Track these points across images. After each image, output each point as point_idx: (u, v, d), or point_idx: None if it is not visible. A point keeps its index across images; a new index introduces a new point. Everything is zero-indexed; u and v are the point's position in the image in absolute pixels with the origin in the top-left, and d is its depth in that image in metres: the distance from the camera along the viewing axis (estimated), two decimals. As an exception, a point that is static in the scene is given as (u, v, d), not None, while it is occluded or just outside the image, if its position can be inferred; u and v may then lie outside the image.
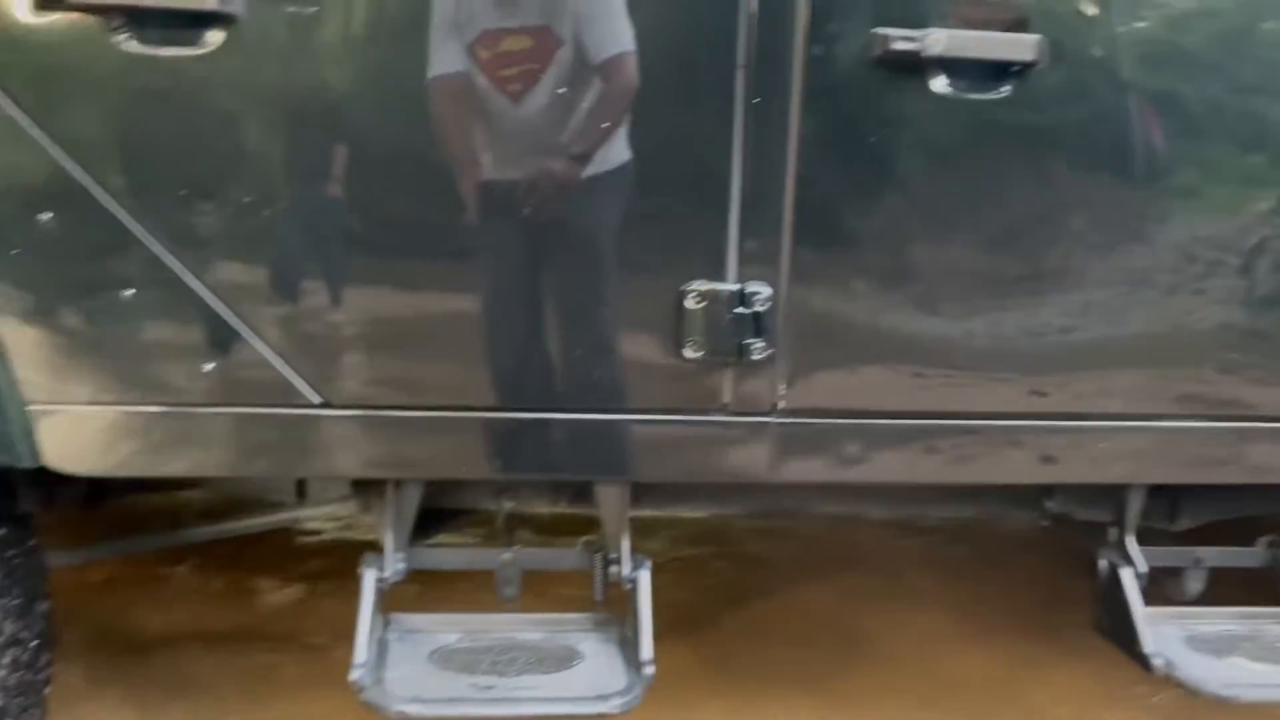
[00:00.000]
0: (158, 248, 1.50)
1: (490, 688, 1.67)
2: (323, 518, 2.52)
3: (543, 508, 2.02)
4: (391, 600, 1.80)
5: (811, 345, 1.63)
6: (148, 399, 1.55)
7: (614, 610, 1.84)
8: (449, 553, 1.89)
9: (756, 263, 1.59)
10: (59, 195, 1.47)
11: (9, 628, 1.67)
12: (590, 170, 1.55)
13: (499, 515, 1.99)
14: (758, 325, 1.59)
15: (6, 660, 1.67)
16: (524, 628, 1.80)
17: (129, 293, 1.51)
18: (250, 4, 1.45)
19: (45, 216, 1.47)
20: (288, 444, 1.59)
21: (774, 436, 1.66)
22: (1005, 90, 1.57)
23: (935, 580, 2.94)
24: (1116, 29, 1.60)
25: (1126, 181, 1.65)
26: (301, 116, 1.50)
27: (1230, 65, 1.64)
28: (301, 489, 2.00)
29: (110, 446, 1.56)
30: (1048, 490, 2.02)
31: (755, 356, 1.60)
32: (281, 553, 2.88)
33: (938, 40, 1.52)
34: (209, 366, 1.54)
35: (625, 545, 1.79)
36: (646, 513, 2.03)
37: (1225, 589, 2.01)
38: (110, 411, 1.55)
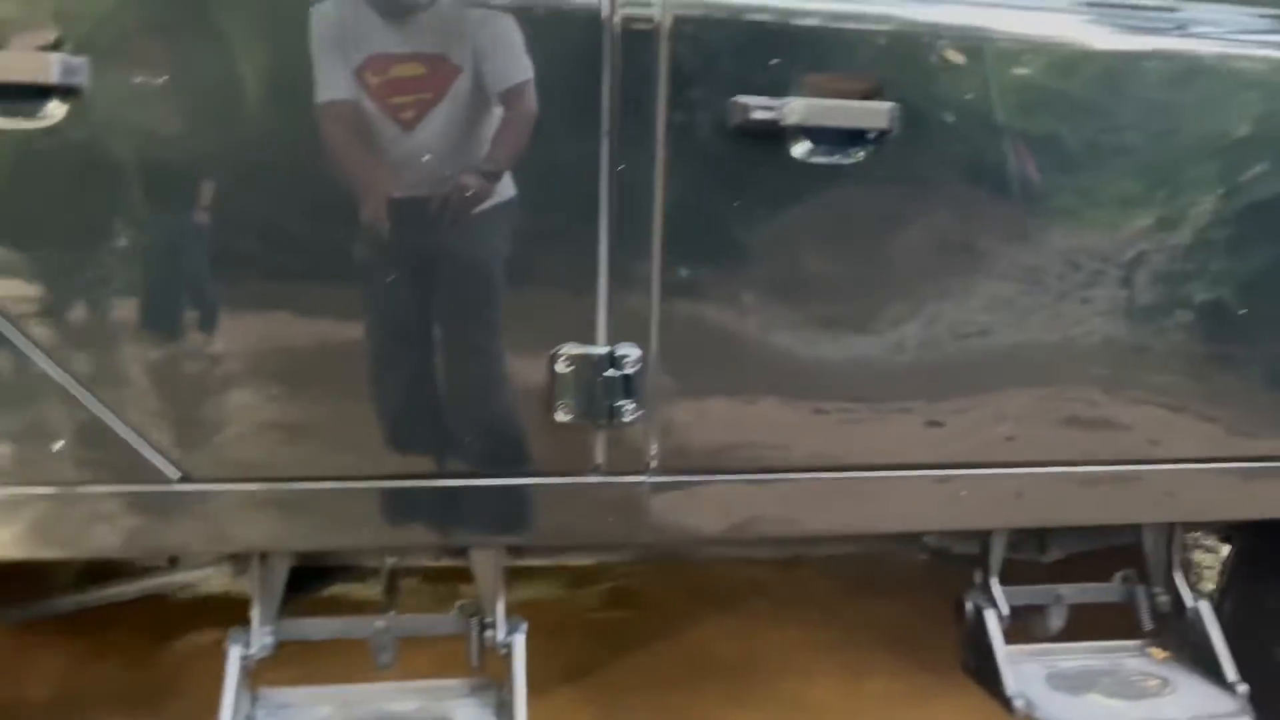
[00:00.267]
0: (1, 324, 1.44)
1: (362, 763, 1.64)
2: (197, 581, 2.45)
3: (427, 560, 2.00)
4: (265, 667, 1.75)
5: (683, 405, 1.65)
6: (-5, 481, 1.48)
7: (492, 674, 1.82)
8: (320, 622, 1.84)
9: (626, 325, 1.60)
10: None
11: None
12: (474, 216, 1.54)
13: (382, 571, 1.97)
14: (628, 387, 1.60)
15: None
16: (397, 697, 1.77)
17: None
18: (95, 75, 1.40)
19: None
20: (145, 522, 1.53)
21: (648, 496, 1.67)
22: (863, 154, 1.63)
23: (824, 615, 2.99)
24: (966, 96, 1.67)
25: (980, 241, 1.71)
26: (150, 186, 1.45)
27: (1066, 131, 1.72)
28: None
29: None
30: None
31: (627, 418, 1.61)
32: (155, 618, 2.78)
33: (795, 109, 1.56)
34: (58, 445, 1.48)
35: (500, 609, 1.77)
36: (531, 562, 2.03)
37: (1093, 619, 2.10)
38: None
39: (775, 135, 1.59)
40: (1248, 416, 1.87)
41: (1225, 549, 2.49)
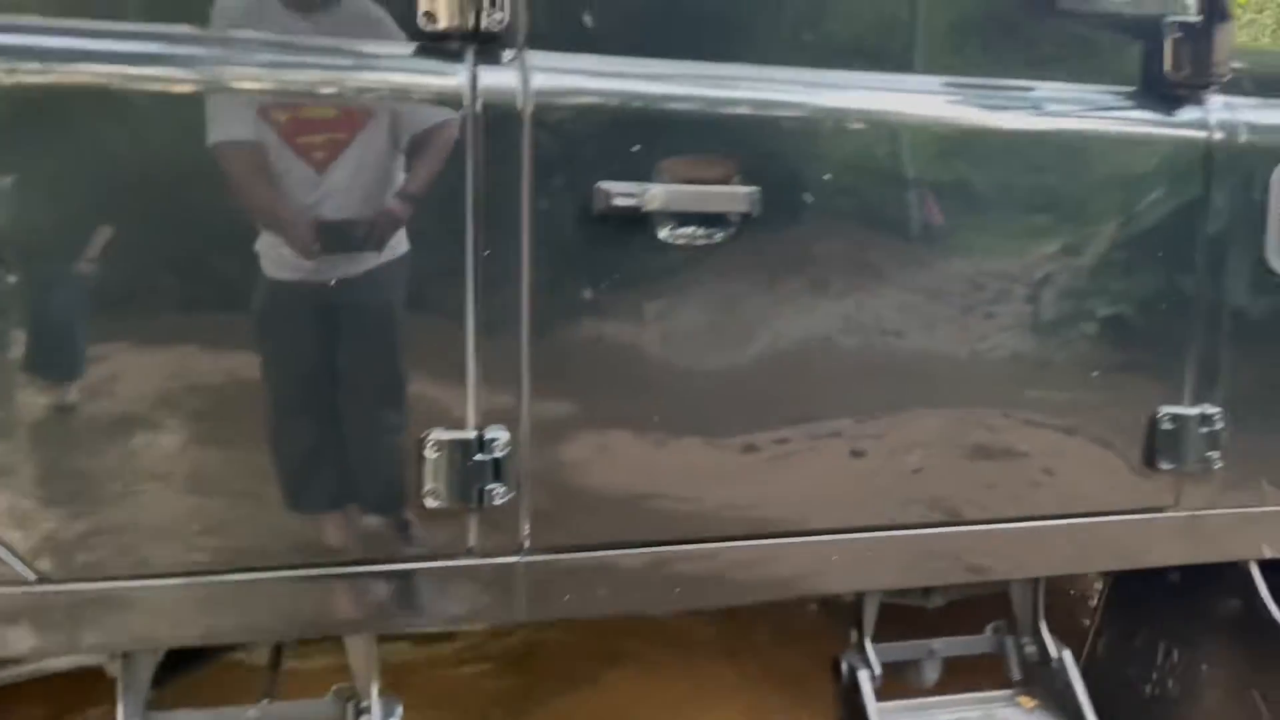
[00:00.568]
0: None
1: None
2: (70, 665, 2.37)
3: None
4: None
5: (554, 486, 1.66)
6: None
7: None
8: (190, 715, 1.80)
9: (495, 409, 1.61)
10: None
11: None
12: (338, 309, 1.54)
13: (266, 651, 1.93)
14: (498, 470, 1.61)
15: None
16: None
17: None
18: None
19: None
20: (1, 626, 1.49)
21: (521, 577, 1.67)
22: (727, 233, 1.67)
23: (729, 666, 2.99)
24: (825, 176, 1.72)
25: (843, 316, 1.76)
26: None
27: (928, 208, 1.80)
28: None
29: None
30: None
31: (497, 501, 1.62)
32: (49, 697, 2.68)
33: (656, 196, 1.60)
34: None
35: (374, 693, 1.76)
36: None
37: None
38: None
39: (640, 219, 1.62)
40: (1090, 477, 1.96)
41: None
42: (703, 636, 3.16)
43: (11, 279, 1.42)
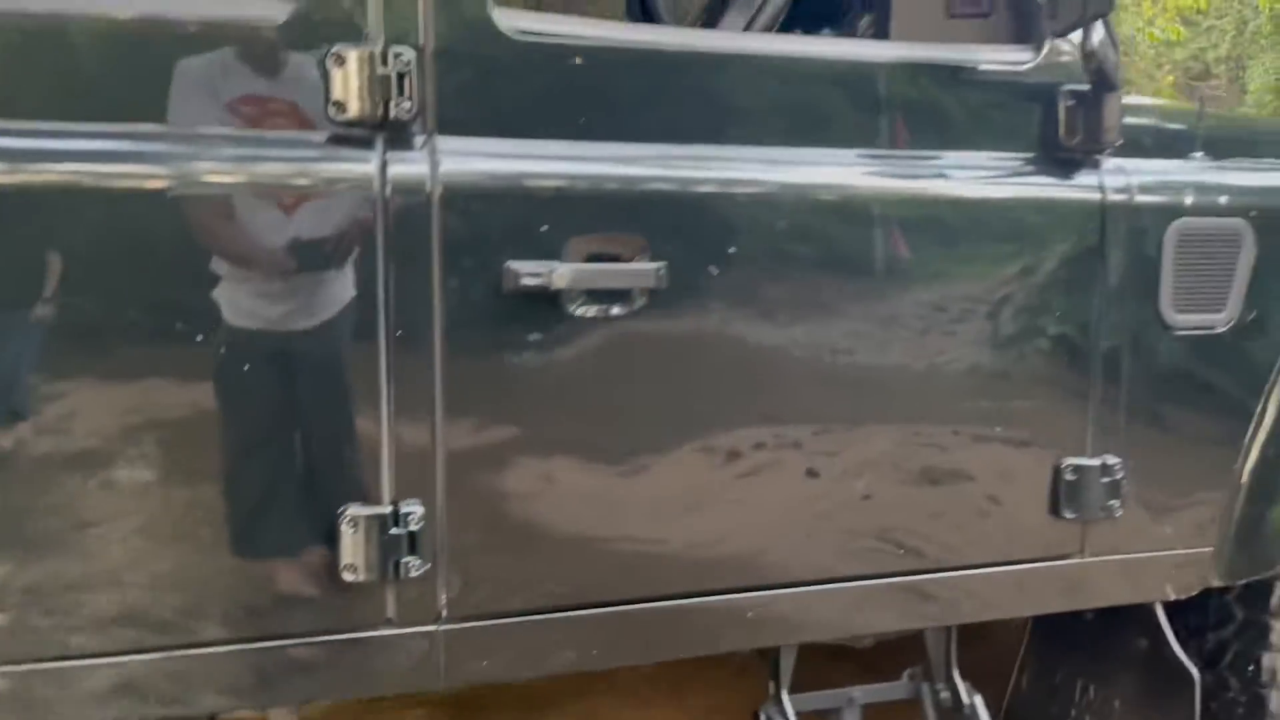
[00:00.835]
0: None
1: None
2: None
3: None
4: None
5: (469, 557, 1.70)
6: None
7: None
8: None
9: (410, 484, 1.65)
10: None
11: None
12: (254, 391, 1.58)
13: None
14: (413, 544, 1.65)
15: None
16: None
17: None
18: None
19: None
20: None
21: (440, 645, 1.71)
22: (634, 308, 1.72)
23: (676, 708, 3.03)
24: (730, 249, 1.79)
25: (754, 380, 1.83)
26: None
27: (841, 275, 1.88)
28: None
29: None
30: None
31: (413, 574, 1.66)
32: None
33: (563, 275, 1.65)
34: None
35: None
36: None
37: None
38: None
39: (550, 295, 1.67)
40: (1000, 528, 2.03)
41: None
42: (647, 672, 3.21)
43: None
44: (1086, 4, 1.84)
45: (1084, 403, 2.05)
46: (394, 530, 1.64)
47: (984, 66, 2.00)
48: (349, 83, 1.58)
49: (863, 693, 2.18)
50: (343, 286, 1.60)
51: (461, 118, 1.66)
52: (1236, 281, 2.14)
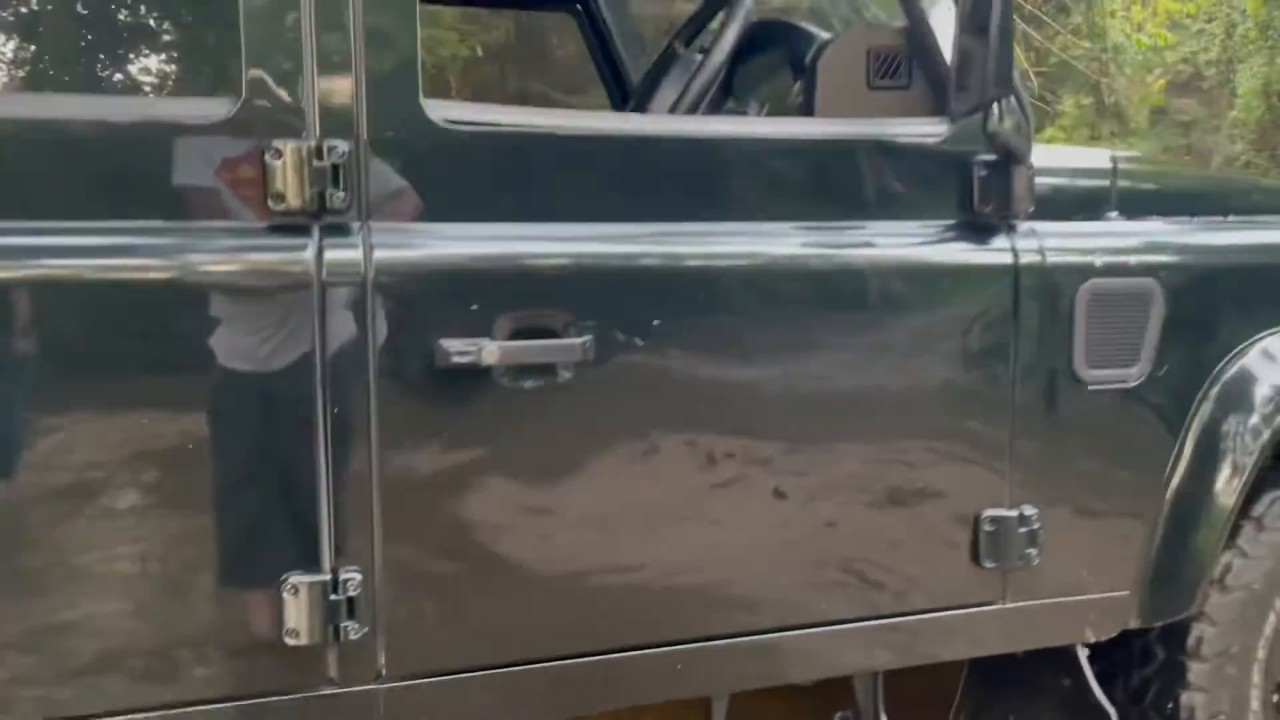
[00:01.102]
0: None
1: None
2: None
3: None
4: None
5: (406, 619, 1.79)
6: None
7: None
8: None
9: (348, 552, 1.74)
10: None
11: None
12: (199, 464, 1.66)
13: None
14: (352, 609, 1.74)
15: None
16: None
17: None
18: None
19: None
20: None
21: (381, 703, 1.79)
22: (561, 382, 1.81)
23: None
24: (653, 323, 1.87)
25: (683, 447, 1.92)
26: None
27: (772, 343, 1.97)
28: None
29: None
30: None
31: (353, 637, 1.74)
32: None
33: (491, 353, 1.75)
34: None
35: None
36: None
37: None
38: None
39: (481, 371, 1.77)
40: (924, 577, 2.13)
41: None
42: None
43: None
44: (986, 88, 1.95)
45: (1002, 456, 2.15)
46: (334, 596, 1.72)
47: (901, 140, 2.10)
48: (287, 175, 1.68)
49: (796, 736, 2.28)
50: (282, 367, 1.69)
51: (394, 205, 1.75)
52: (1148, 337, 2.24)
